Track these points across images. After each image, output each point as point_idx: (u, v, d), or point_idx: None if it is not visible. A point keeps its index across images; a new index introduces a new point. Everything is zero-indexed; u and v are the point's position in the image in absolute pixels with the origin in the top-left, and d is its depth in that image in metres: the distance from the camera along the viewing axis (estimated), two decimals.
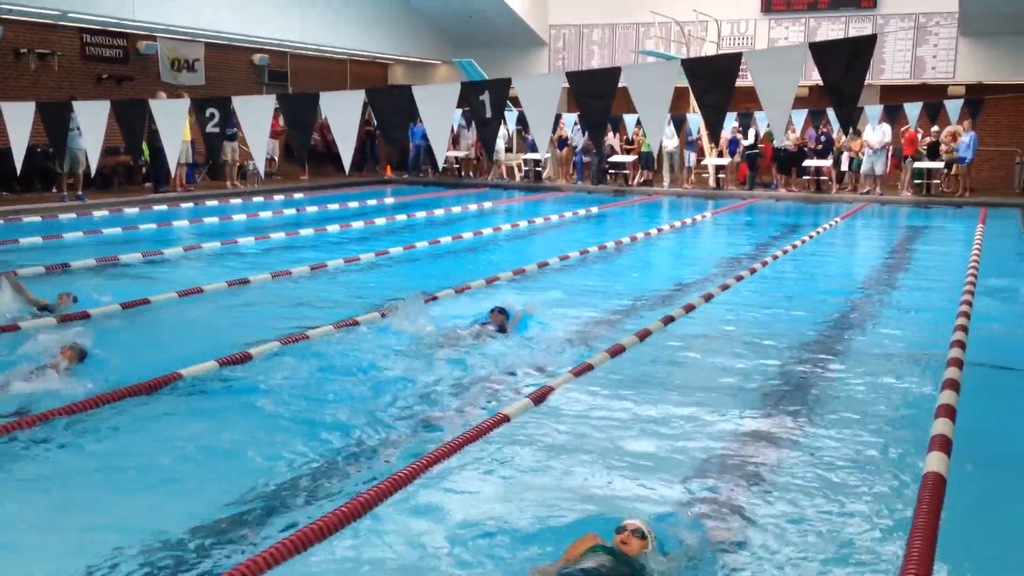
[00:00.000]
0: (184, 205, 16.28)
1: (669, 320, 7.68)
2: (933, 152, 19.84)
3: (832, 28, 22.57)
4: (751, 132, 20.75)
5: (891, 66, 22.14)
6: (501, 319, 7.23)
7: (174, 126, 7.65)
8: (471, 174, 24.23)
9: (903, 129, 19.55)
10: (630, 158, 22.28)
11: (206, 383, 5.84)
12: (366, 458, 4.73)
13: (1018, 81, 20.79)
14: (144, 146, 17.28)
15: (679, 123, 20.14)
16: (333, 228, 13.88)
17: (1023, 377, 6.59)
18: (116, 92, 18.23)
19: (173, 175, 17.32)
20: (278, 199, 18.15)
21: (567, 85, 6.71)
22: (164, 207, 15.92)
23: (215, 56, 20.97)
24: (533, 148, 22.12)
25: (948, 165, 19.89)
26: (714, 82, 5.85)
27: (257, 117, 7.32)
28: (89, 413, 5.14)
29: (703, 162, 21.72)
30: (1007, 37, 20.57)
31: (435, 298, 8.42)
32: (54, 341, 6.05)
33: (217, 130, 7.46)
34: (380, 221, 15.03)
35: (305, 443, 4.85)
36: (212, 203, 16.73)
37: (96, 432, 4.97)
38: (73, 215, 14.30)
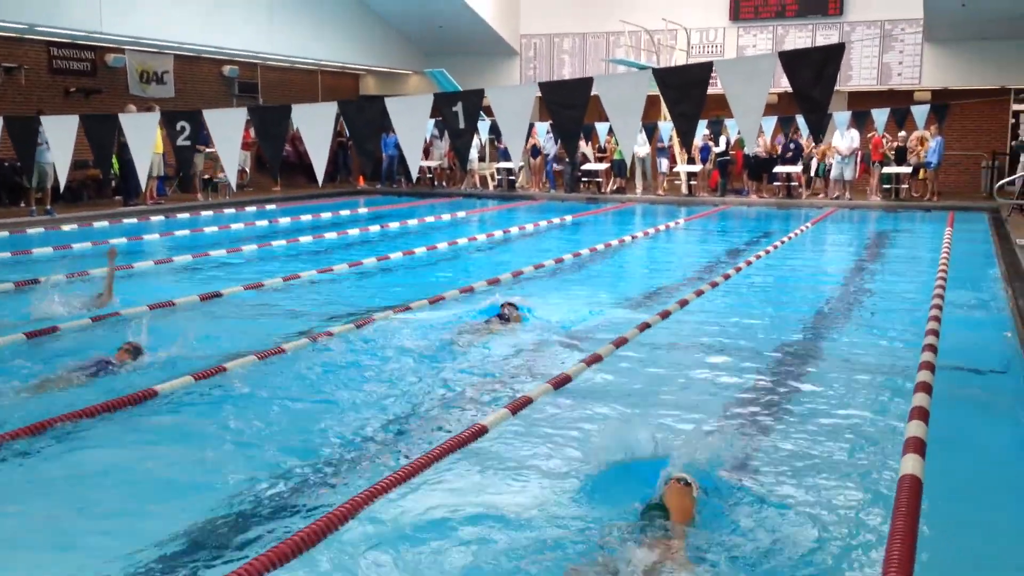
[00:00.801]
0: (155, 218, 16.14)
1: (645, 327, 7.71)
2: (901, 157, 20.11)
3: (799, 36, 22.83)
4: (722, 139, 20.92)
5: (858, 72, 22.42)
6: (514, 313, 7.75)
7: (144, 139, 7.60)
8: (444, 184, 24.22)
9: (869, 135, 19.81)
10: (603, 166, 22.38)
11: (182, 398, 5.79)
12: (366, 461, 4.71)
13: (982, 86, 21.16)
14: (113, 159, 17.22)
15: (651, 131, 20.27)
16: (306, 239, 13.82)
17: (992, 378, 6.68)
18: (84, 105, 18.07)
19: (144, 188, 17.17)
20: (250, 211, 18.03)
21: (540, 94, 6.74)
22: (134, 220, 15.77)
23: (184, 68, 20.83)
24: (506, 157, 22.16)
25: (916, 170, 20.16)
26: (686, 91, 5.91)
27: (228, 130, 7.29)
28: (56, 428, 5.08)
29: (675, 169, 21.86)
30: (970, 43, 20.93)
31: (408, 308, 8.40)
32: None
33: (188, 143, 7.41)
34: (354, 232, 14.98)
35: (284, 457, 4.82)
36: (183, 216, 16.61)
37: (61, 449, 4.91)
38: (41, 229, 14.13)
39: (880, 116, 17.98)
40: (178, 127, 7.29)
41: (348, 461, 4.84)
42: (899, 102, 19.76)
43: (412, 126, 6.94)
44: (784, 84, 5.72)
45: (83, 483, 4.58)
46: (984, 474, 4.77)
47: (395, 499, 4.18)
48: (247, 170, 21.11)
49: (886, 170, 20.17)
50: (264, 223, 16.07)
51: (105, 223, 15.37)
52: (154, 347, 6.71)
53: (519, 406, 5.48)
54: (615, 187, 22.57)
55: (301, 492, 4.42)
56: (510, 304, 7.89)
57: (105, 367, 6.22)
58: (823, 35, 22.59)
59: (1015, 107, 22.39)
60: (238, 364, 6.40)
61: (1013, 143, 21.59)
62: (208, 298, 8.92)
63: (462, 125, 6.74)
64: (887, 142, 20.08)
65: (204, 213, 17.12)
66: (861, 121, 18.76)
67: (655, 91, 6.25)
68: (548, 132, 20.88)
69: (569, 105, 6.49)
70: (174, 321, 8.03)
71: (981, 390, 6.41)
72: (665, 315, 8.22)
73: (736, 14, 23.25)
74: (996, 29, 19.24)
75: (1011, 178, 17.95)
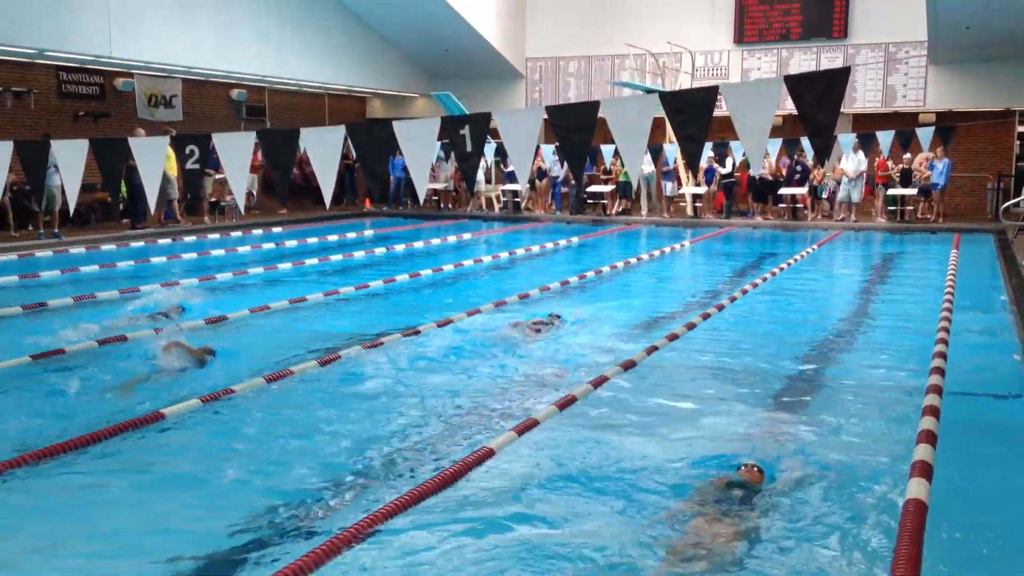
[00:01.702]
0: (162, 241, 16.21)
1: (652, 350, 7.71)
2: (906, 179, 20.13)
3: (804, 58, 22.93)
4: (728, 161, 20.97)
5: (863, 95, 22.49)
6: (556, 321, 8.73)
7: (154, 163, 7.65)
8: (450, 206, 24.30)
9: (875, 158, 19.85)
10: (608, 188, 22.44)
11: (190, 421, 5.80)
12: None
13: (987, 108, 21.20)
14: (121, 183, 17.33)
15: (656, 153, 20.32)
16: (312, 262, 13.87)
17: (1000, 402, 6.66)
18: (93, 129, 18.20)
19: (153, 211, 17.27)
20: (257, 233, 18.11)
21: (546, 117, 6.78)
22: (142, 243, 15.84)
23: (192, 91, 20.99)
24: (511, 179, 22.23)
25: (922, 192, 20.17)
26: (692, 115, 5.94)
27: (237, 153, 7.34)
28: (67, 452, 5.09)
29: (680, 191, 21.91)
30: (975, 65, 20.98)
31: (417, 332, 8.42)
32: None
33: (197, 166, 7.47)
34: (360, 254, 15.03)
35: (299, 479, 4.82)
36: (190, 239, 16.69)
37: (63, 475, 4.92)
38: (50, 253, 14.20)
39: (885, 138, 17.98)
40: (187, 151, 7.35)
41: (355, 485, 4.84)
42: (904, 124, 19.78)
43: (420, 149, 6.98)
44: (789, 107, 5.75)
45: (86, 507, 4.59)
46: (992, 499, 4.73)
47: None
48: (254, 193, 21.21)
49: (892, 192, 20.19)
50: (271, 246, 16.13)
51: (112, 246, 15.44)
52: (157, 370, 6.74)
53: (525, 428, 5.49)
54: (620, 209, 22.62)
55: (311, 514, 4.42)
56: (556, 316, 8.96)
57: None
58: (827, 58, 22.68)
59: (1020, 129, 22.40)
60: (247, 387, 6.42)
61: (1020, 164, 21.61)
62: (213, 321, 8.95)
63: (470, 148, 6.78)
64: (892, 164, 20.13)
65: (211, 236, 17.19)
66: (866, 143, 18.77)
67: (661, 114, 6.29)
68: (553, 154, 20.95)
69: (576, 128, 6.52)
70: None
71: (990, 414, 6.39)
72: (673, 338, 8.22)
73: (741, 37, 23.37)
74: (1000, 51, 19.31)
75: (1016, 200, 17.95)
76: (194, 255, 14.56)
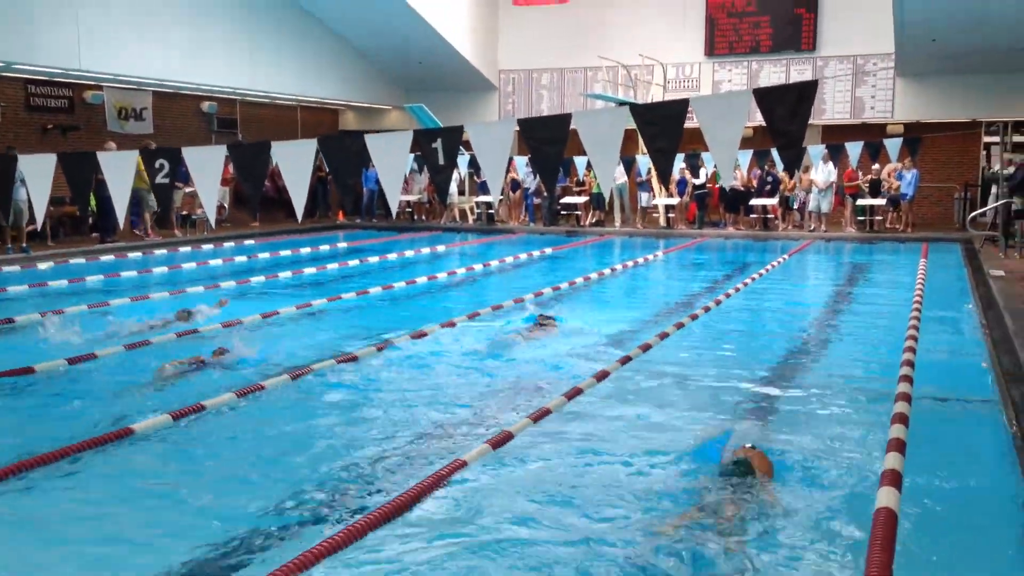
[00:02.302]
0: (132, 255, 16.06)
1: (626, 360, 7.73)
2: (875, 189, 20.39)
3: (774, 71, 23.17)
4: (700, 172, 21.12)
5: (832, 106, 22.76)
6: (550, 323, 9.03)
7: (123, 176, 7.59)
8: (424, 218, 24.29)
9: (847, 169, 20.10)
10: (581, 199, 22.53)
11: (161, 436, 5.74)
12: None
13: (953, 119, 21.53)
14: (91, 196, 17.14)
15: (629, 164, 20.43)
16: (285, 275, 13.80)
17: (969, 408, 6.73)
18: (62, 142, 18.02)
19: (122, 225, 17.12)
20: (228, 246, 17.98)
21: (519, 129, 6.80)
22: (111, 257, 15.68)
23: (163, 104, 20.85)
24: (485, 191, 22.25)
25: (891, 202, 20.44)
26: (663, 127, 5.99)
27: (208, 167, 7.29)
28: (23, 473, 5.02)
29: (654, 202, 22.04)
30: (941, 77, 21.32)
31: (390, 343, 8.39)
32: None
33: (167, 180, 7.41)
34: (333, 267, 14.96)
35: (271, 493, 4.78)
36: (161, 252, 16.55)
37: (28, 493, 4.85)
38: (17, 268, 14.01)
39: (854, 149, 18.23)
40: (157, 164, 7.29)
41: (327, 501, 4.81)
42: (872, 136, 20.06)
43: (392, 162, 6.99)
44: (759, 118, 5.81)
45: (48, 524, 4.52)
46: (960, 505, 4.78)
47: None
48: (226, 206, 21.09)
49: (861, 202, 20.45)
50: (243, 259, 16.03)
51: (82, 260, 15.28)
52: (126, 384, 6.66)
53: (500, 441, 5.49)
54: (594, 220, 22.71)
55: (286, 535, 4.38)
56: (545, 316, 9.30)
57: (201, 365, 7.38)
58: (797, 70, 22.94)
59: (986, 139, 22.76)
60: (217, 402, 6.36)
61: (987, 173, 21.94)
62: (184, 335, 8.86)
63: (442, 161, 6.79)
64: (860, 175, 20.39)
65: (183, 249, 17.07)
66: (835, 154, 19.01)
67: (632, 126, 6.33)
68: (527, 166, 21.01)
69: (548, 141, 6.55)
70: (144, 358, 7.97)
71: (958, 421, 6.46)
72: (646, 348, 8.25)
73: (711, 50, 23.59)
74: (966, 63, 19.63)
75: (983, 209, 18.22)
76: (165, 269, 14.44)
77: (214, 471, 5.23)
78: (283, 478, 5.07)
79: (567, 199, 22.68)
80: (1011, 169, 17.67)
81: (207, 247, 17.50)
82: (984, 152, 23.08)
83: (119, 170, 7.78)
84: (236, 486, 4.99)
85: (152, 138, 19.56)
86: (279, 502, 4.72)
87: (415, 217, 24.31)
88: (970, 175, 22.47)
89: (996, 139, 20.45)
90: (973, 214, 17.73)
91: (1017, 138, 22.78)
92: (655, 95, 22.70)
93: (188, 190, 17.79)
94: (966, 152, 22.90)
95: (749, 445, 4.98)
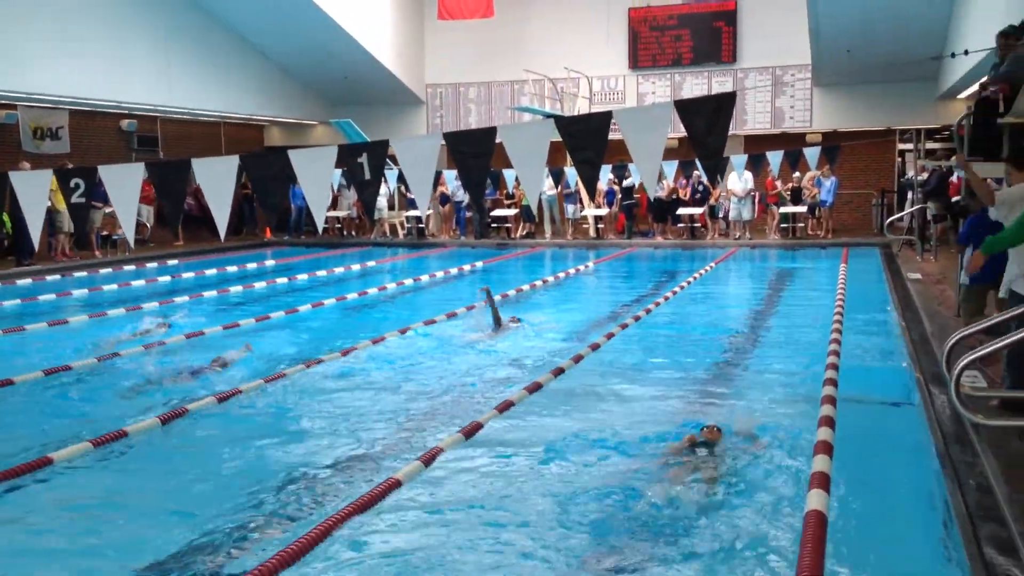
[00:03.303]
0: (50, 278, 15.54)
1: (559, 372, 7.75)
2: (796, 197, 20.91)
3: (696, 82, 23.61)
4: (627, 183, 21.37)
5: (753, 116, 23.28)
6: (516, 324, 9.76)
7: (38, 197, 7.35)
8: (354, 233, 24.08)
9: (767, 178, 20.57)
10: (512, 211, 22.59)
11: (79, 466, 5.54)
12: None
13: (869, 127, 22.22)
14: (5, 217, 16.59)
15: (557, 176, 20.57)
16: (211, 294, 13.50)
17: (889, 409, 6.91)
18: None
19: (37, 246, 16.56)
20: (151, 267, 17.54)
21: (446, 143, 6.77)
22: (28, 281, 15.14)
23: (80, 123, 20.27)
24: (414, 205, 22.15)
25: (811, 209, 20.98)
26: (587, 140, 6.03)
27: (125, 186, 7.10)
28: None
29: (583, 213, 22.22)
30: (856, 87, 22.01)
31: (321, 361, 8.27)
32: None
33: (83, 200, 7.20)
34: (260, 285, 14.71)
35: (198, 520, 4.65)
36: (80, 274, 16.06)
37: None
38: None
39: (775, 158, 18.65)
40: (72, 184, 7.07)
41: (247, 529, 4.69)
42: (792, 144, 20.57)
43: (317, 178, 6.89)
44: (683, 129, 5.89)
45: None
46: (886, 504, 4.89)
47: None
48: (148, 225, 20.57)
49: (783, 210, 20.94)
50: (167, 279, 15.64)
51: None
52: (48, 415, 6.43)
53: (431, 457, 5.44)
54: (524, 232, 22.79)
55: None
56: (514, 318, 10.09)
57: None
58: (718, 81, 23.41)
59: (901, 147, 23.54)
60: (139, 428, 6.17)
61: (902, 179, 22.68)
62: (106, 358, 8.60)
63: (368, 176, 6.73)
64: (781, 184, 20.90)
65: (103, 271, 16.59)
66: (757, 163, 19.43)
67: (558, 138, 6.36)
68: (457, 179, 20.98)
69: (474, 154, 6.54)
70: (66, 386, 7.72)
71: (881, 421, 6.63)
72: (578, 359, 8.29)
73: (635, 63, 23.93)
74: (879, 74, 20.28)
75: (900, 215, 18.82)
76: (85, 291, 14.00)
77: (137, 501, 5.05)
78: (207, 505, 4.93)
79: (497, 212, 22.74)
80: (925, 175, 18.33)
81: (129, 268, 17.03)
82: (899, 159, 23.87)
83: (33, 191, 7.53)
84: (161, 515, 4.83)
85: (70, 158, 19.00)
86: (195, 535, 4.59)
87: (344, 233, 24.08)
88: (887, 181, 23.19)
89: (910, 146, 21.14)
90: (890, 219, 18.30)
91: (930, 145, 23.63)
92: (581, 107, 22.92)
93: (108, 210, 17.29)
94: (882, 159, 23.63)
95: (711, 425, 5.73)
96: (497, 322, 9.93)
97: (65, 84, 17.26)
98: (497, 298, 12.44)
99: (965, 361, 5.08)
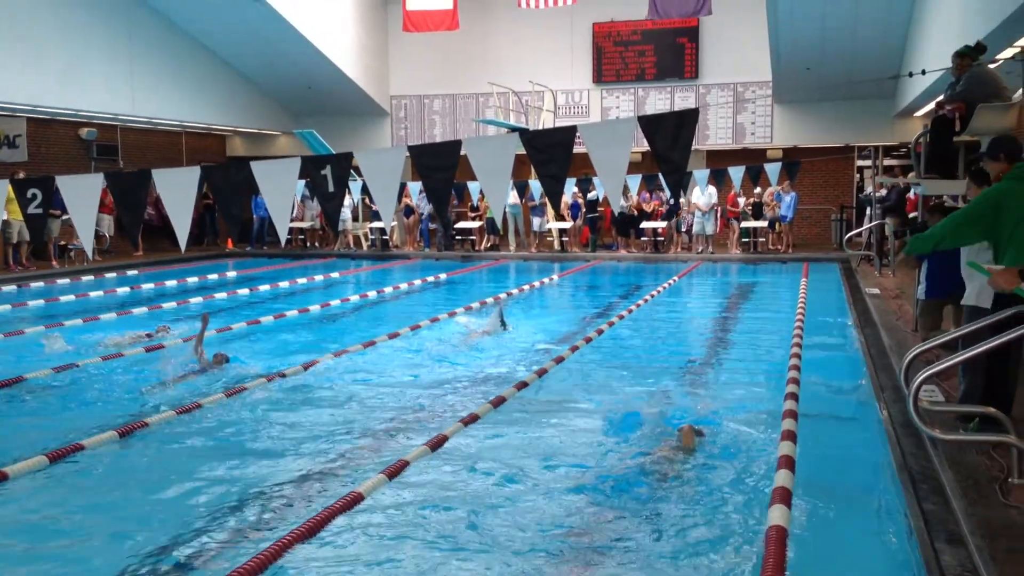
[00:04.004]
0: (7, 289, 15.24)
1: (522, 385, 7.75)
2: (757, 212, 21.16)
3: (659, 97, 23.84)
4: (591, 196, 21.46)
5: (715, 132, 23.55)
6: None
7: None
8: (317, 245, 23.92)
9: (730, 193, 20.81)
10: (476, 224, 22.60)
11: (34, 481, 5.42)
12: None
13: (829, 144, 22.59)
14: None
15: (522, 189, 20.60)
16: (170, 305, 13.33)
17: (848, 422, 6.99)
18: None
19: (6, 254, 16.33)
20: (110, 277, 17.27)
21: (410, 155, 6.75)
22: None
23: (38, 131, 19.94)
24: (378, 217, 22.05)
25: (772, 223, 21.24)
26: (551, 154, 6.05)
27: (83, 196, 6.97)
28: None
29: (547, 226, 22.28)
30: (816, 104, 22.39)
31: (283, 375, 8.19)
32: None
33: (39, 211, 7.06)
34: (222, 296, 14.54)
35: (157, 536, 4.57)
36: (37, 285, 15.78)
37: None
38: None
39: (736, 173, 18.84)
40: (29, 194, 6.94)
41: (213, 544, 4.62)
42: (753, 160, 20.83)
43: (279, 189, 6.82)
44: (646, 144, 5.93)
45: None
46: (846, 518, 4.94)
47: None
48: (108, 235, 20.25)
49: (744, 224, 21.18)
50: (126, 290, 15.41)
51: None
52: (0, 428, 6.28)
53: (394, 472, 5.40)
54: (489, 245, 22.80)
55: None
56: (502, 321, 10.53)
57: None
58: (681, 96, 23.66)
59: (859, 163, 23.94)
60: (96, 441, 6.06)
61: (861, 195, 23.04)
62: (62, 369, 8.44)
63: (332, 188, 6.67)
64: (742, 199, 21.15)
65: (60, 281, 16.32)
66: (719, 178, 19.60)
67: (523, 151, 6.37)
68: (421, 191, 20.92)
69: (438, 167, 6.53)
70: (21, 398, 7.56)
71: (840, 434, 6.69)
72: (542, 373, 8.30)
73: (599, 77, 24.11)
74: (838, 91, 20.63)
75: (859, 230, 19.11)
76: (41, 302, 13.75)
77: (93, 516, 4.95)
78: (167, 519, 4.85)
79: (462, 224, 22.73)
80: (884, 192, 18.65)
81: (87, 278, 16.76)
82: (858, 175, 24.27)
83: None
84: (114, 532, 4.74)
85: (27, 166, 18.70)
86: (151, 549, 4.51)
87: (307, 244, 23.91)
88: (846, 197, 23.56)
89: (869, 163, 21.53)
90: (849, 235, 18.55)
91: (888, 162, 24.08)
92: (546, 121, 23.02)
93: (66, 217, 16.99)
94: (841, 175, 24.01)
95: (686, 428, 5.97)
96: (503, 324, 10.64)
97: (21, 90, 16.97)
98: (459, 310, 12.46)
99: (923, 376, 5.15)
